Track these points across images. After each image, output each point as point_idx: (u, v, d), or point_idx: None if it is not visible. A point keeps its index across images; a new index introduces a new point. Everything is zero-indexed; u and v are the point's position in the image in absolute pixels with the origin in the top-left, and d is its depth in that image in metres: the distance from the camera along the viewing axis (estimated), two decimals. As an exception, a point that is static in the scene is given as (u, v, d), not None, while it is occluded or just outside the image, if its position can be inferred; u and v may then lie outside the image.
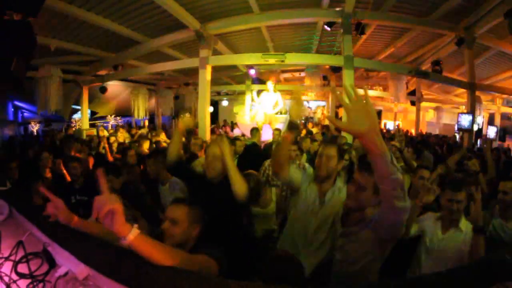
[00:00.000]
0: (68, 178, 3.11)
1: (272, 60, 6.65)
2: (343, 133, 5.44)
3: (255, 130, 4.96)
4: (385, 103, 15.25)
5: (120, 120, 13.80)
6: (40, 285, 1.05)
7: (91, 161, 4.14)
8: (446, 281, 0.96)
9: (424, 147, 5.38)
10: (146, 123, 12.62)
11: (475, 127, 8.42)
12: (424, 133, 12.64)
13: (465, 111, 8.15)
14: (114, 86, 10.97)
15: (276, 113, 7.62)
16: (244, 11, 6.13)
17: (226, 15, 6.29)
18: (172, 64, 7.99)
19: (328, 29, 6.38)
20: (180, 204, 1.34)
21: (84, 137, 7.46)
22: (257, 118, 7.61)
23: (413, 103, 12.14)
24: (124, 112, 13.27)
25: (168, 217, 1.28)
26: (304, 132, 7.27)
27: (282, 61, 6.51)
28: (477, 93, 8.17)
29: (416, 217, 1.85)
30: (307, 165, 3.02)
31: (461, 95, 12.42)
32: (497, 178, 2.87)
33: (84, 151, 4.52)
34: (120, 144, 5.68)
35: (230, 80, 12.83)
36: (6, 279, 1.07)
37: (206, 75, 6.64)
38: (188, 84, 12.43)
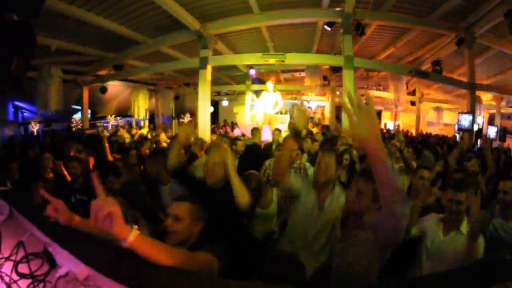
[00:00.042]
0: (69, 178, 3.11)
1: (272, 60, 6.65)
2: (344, 133, 5.44)
3: (255, 130, 4.96)
4: (385, 103, 15.24)
5: (120, 120, 13.78)
6: (41, 285, 1.05)
7: (91, 161, 4.14)
8: (446, 281, 0.96)
9: (424, 147, 5.38)
10: (146, 123, 12.62)
11: (475, 127, 8.42)
12: (424, 133, 12.63)
13: (465, 111, 8.14)
14: (114, 86, 10.98)
15: (276, 113, 7.60)
16: (244, 11, 6.13)
17: (226, 15, 6.28)
18: (172, 64, 7.99)
19: (328, 29, 6.38)
20: (183, 201, 1.37)
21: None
22: (257, 118, 7.61)
23: (413, 103, 12.13)
24: (124, 112, 13.28)
25: (171, 213, 1.31)
26: (304, 132, 7.25)
27: (282, 61, 6.51)
28: (478, 93, 8.17)
29: (417, 218, 1.85)
30: (307, 164, 3.02)
31: (461, 95, 12.41)
32: (497, 178, 2.87)
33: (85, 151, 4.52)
34: (120, 144, 5.68)
35: (230, 80, 12.80)
36: (7, 279, 1.08)
37: (206, 75, 6.63)
38: (188, 84, 12.44)
